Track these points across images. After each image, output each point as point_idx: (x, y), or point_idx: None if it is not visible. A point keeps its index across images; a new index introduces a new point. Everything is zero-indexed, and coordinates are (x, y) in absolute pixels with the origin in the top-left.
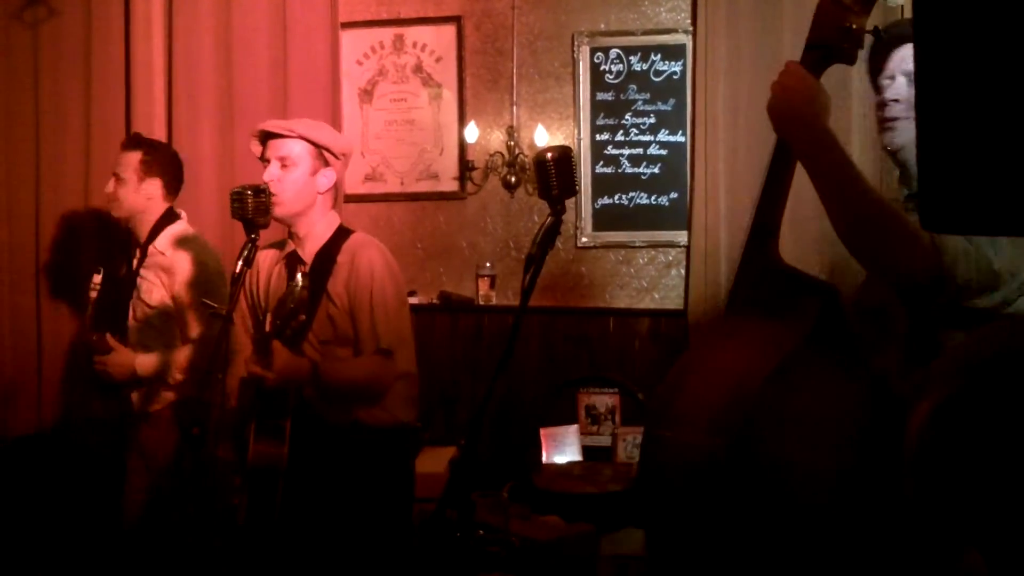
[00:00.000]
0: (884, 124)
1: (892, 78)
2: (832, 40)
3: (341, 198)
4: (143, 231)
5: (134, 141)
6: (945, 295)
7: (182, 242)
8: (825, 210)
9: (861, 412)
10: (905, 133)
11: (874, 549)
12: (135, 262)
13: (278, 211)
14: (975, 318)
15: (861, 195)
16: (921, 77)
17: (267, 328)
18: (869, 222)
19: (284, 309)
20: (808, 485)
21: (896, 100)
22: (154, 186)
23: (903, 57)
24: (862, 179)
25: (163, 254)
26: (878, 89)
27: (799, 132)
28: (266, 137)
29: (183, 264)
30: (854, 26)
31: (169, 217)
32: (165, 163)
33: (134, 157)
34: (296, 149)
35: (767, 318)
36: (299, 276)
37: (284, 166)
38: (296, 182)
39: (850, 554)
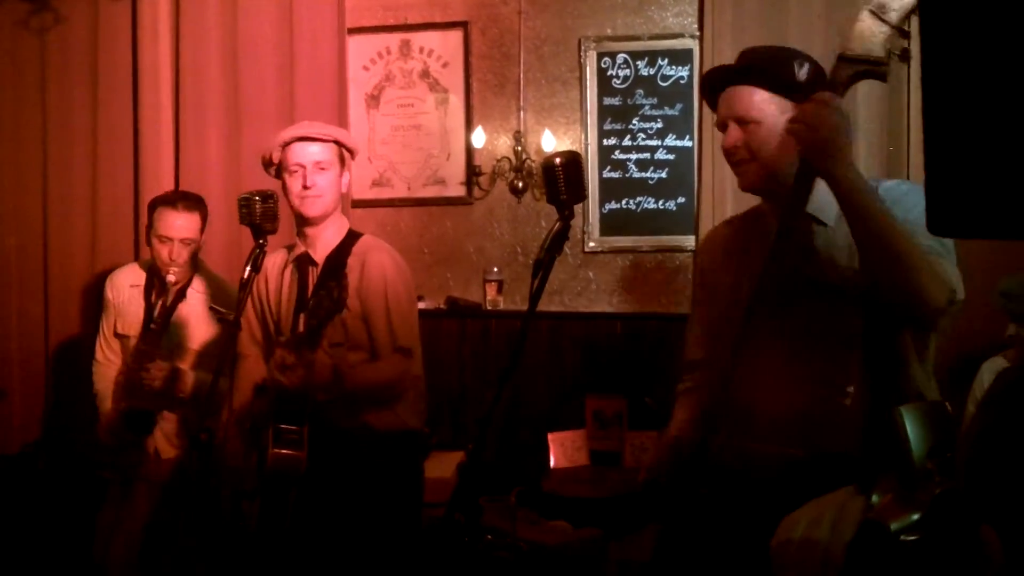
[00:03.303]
0: (735, 169)
1: (723, 126)
2: (873, 56)
3: (348, 202)
4: (177, 287)
5: (192, 202)
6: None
7: (220, 286)
8: (854, 239)
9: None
10: (751, 174)
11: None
12: (166, 300)
13: (317, 211)
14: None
15: (892, 229)
16: (928, 84)
17: (300, 328)
18: (902, 257)
19: (321, 310)
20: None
21: (736, 147)
22: (203, 241)
23: (725, 104)
24: (889, 212)
25: (207, 294)
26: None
27: (835, 165)
28: (287, 143)
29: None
30: (889, 44)
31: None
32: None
33: (196, 219)
34: (328, 153)
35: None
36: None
37: (322, 169)
38: (332, 183)
39: None
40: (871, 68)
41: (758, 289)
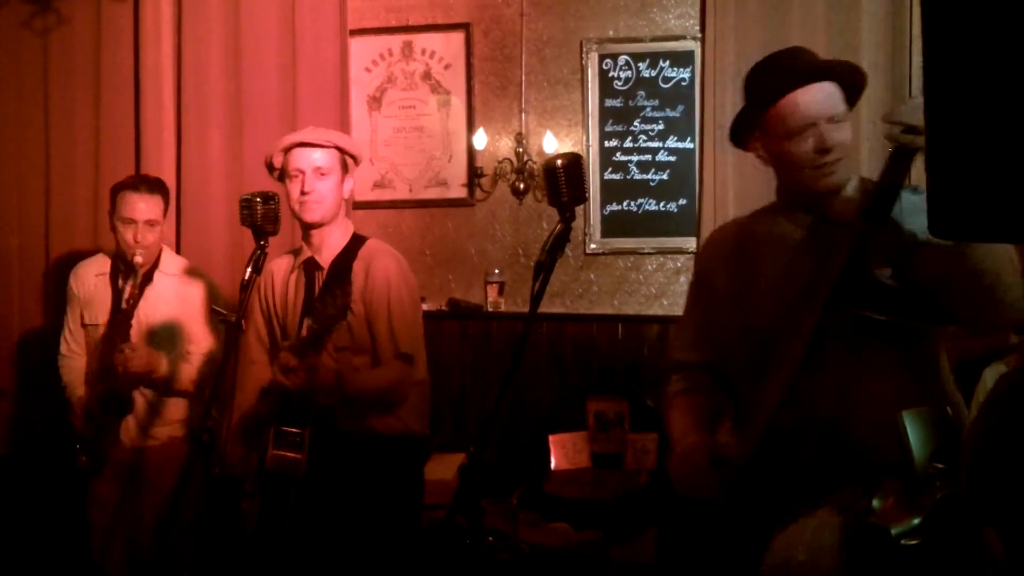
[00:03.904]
0: (824, 169)
1: (814, 124)
2: None
3: (350, 204)
4: (141, 271)
5: (153, 184)
6: None
7: (189, 269)
8: (957, 254)
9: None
10: (843, 172)
11: None
12: (133, 289)
13: (316, 217)
14: None
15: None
16: (930, 84)
17: (303, 332)
18: (996, 267)
19: (324, 315)
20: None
21: (831, 148)
22: (166, 223)
23: (815, 102)
24: None
25: (175, 276)
26: (794, 136)
27: None
28: (289, 148)
29: (199, 285)
30: None
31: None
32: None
33: (159, 201)
34: (329, 159)
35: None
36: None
37: (322, 175)
38: (333, 190)
39: None
40: None
41: (831, 298)
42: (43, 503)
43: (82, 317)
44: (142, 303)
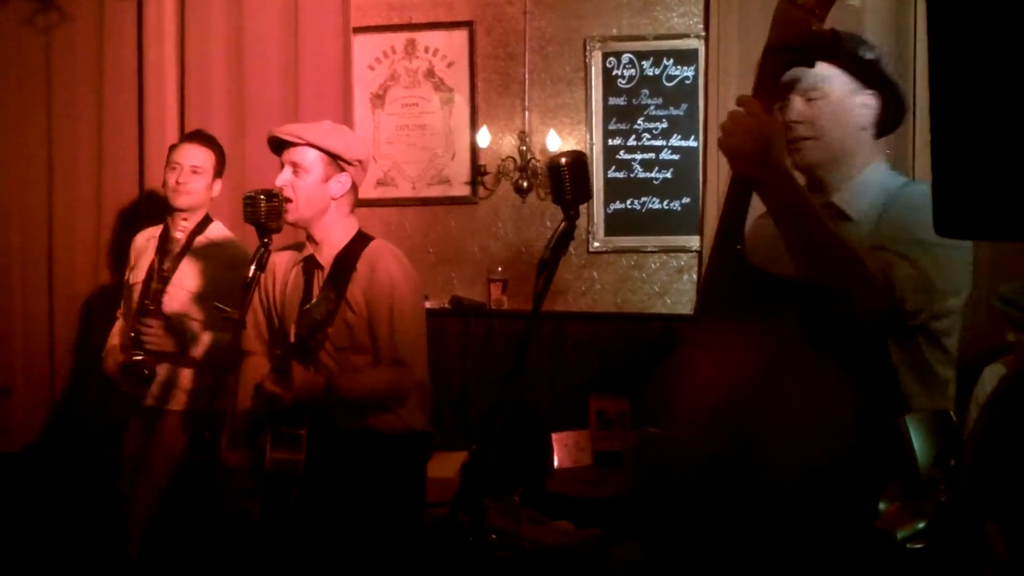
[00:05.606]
0: (791, 145)
1: (787, 100)
2: (795, 42)
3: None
4: (186, 226)
5: (205, 137)
6: (896, 323)
7: (234, 241)
8: (784, 245)
9: (847, 409)
10: (812, 152)
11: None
12: (171, 255)
13: (290, 216)
14: (911, 330)
15: (820, 234)
16: (935, 84)
17: (291, 339)
18: (828, 261)
19: (309, 320)
20: (800, 482)
21: (798, 122)
22: (217, 187)
23: (795, 77)
24: (822, 218)
25: (220, 243)
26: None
27: (759, 173)
28: (279, 142)
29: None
30: (814, 27)
31: (207, 218)
32: (223, 168)
33: (207, 153)
34: (308, 156)
35: (750, 319)
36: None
37: (296, 172)
38: (308, 188)
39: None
40: (792, 55)
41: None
42: (52, 501)
43: (128, 277)
44: (184, 266)
